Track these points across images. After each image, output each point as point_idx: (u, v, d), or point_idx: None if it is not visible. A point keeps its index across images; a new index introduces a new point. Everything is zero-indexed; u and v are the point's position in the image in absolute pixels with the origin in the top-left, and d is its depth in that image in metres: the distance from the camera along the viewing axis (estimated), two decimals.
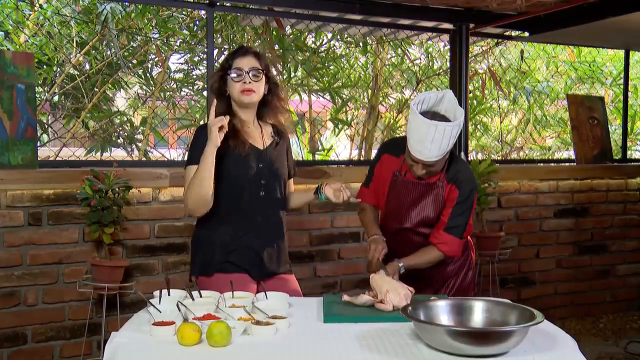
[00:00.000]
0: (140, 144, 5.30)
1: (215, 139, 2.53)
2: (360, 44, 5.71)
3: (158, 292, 2.31)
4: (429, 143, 2.50)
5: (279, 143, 2.85)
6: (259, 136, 2.80)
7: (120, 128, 5.40)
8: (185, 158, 2.77)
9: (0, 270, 3.43)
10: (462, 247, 2.82)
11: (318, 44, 5.76)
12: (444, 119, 2.53)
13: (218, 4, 4.13)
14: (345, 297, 2.47)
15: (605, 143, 5.53)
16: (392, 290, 2.38)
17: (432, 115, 2.53)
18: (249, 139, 2.74)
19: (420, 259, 2.71)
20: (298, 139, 5.90)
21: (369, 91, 6.03)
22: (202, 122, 5.24)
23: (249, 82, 2.70)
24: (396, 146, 2.83)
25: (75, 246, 3.59)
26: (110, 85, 5.27)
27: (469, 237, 2.97)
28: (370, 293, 2.44)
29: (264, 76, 2.74)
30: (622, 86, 6.14)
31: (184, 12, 5.26)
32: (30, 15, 5.00)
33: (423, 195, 2.74)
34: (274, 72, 2.88)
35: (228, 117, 2.57)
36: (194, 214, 2.71)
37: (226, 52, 5.50)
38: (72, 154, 4.53)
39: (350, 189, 2.80)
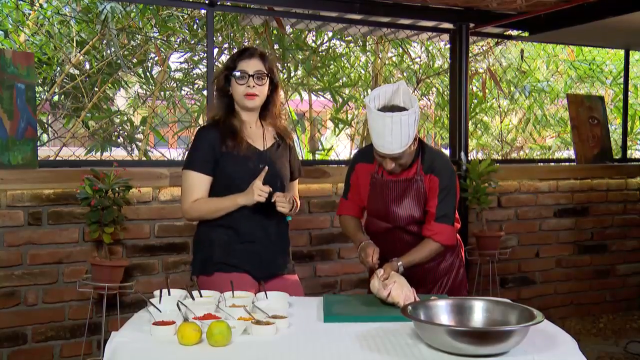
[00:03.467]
0: (140, 144, 5.30)
1: (251, 200, 2.63)
2: (360, 42, 5.71)
3: (158, 291, 2.31)
4: (389, 136, 2.52)
5: (280, 145, 2.85)
6: (261, 137, 2.80)
7: (120, 128, 5.40)
8: (185, 159, 2.78)
9: (0, 270, 3.43)
10: (455, 236, 2.82)
11: (318, 42, 5.75)
12: (403, 110, 2.55)
13: (218, 3, 4.13)
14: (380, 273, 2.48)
15: (605, 143, 5.53)
16: (397, 283, 2.40)
17: (391, 108, 2.56)
18: (248, 139, 2.74)
19: (418, 254, 2.69)
20: (298, 138, 5.90)
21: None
22: (200, 122, 5.26)
23: (253, 86, 2.70)
24: (368, 153, 2.85)
25: (75, 246, 3.59)
26: (110, 85, 5.27)
27: (457, 234, 2.98)
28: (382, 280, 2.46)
29: (267, 79, 2.75)
30: (622, 85, 6.14)
31: (184, 11, 5.26)
32: (30, 14, 5.00)
33: (405, 192, 2.75)
34: (276, 73, 2.87)
35: (270, 189, 2.64)
36: (190, 221, 2.82)
37: (227, 52, 5.49)
38: (72, 154, 4.53)
39: (290, 204, 2.75)
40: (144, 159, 5.09)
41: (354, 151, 6.26)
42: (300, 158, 5.57)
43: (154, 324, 2.06)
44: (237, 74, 2.70)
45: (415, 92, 6.16)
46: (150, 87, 5.44)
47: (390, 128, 2.51)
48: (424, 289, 2.79)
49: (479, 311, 2.13)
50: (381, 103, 2.58)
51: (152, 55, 5.37)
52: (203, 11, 4.81)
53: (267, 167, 2.68)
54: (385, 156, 2.62)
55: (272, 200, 2.67)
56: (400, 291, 2.38)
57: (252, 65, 2.71)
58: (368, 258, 2.63)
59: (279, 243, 2.82)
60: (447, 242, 2.74)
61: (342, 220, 2.98)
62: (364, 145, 6.01)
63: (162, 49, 5.26)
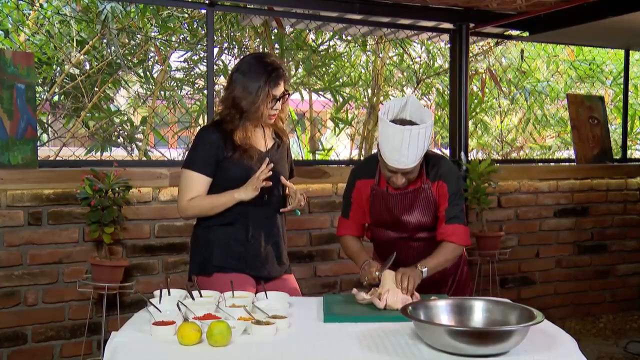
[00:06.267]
0: (140, 144, 5.29)
1: (250, 195, 2.62)
2: (360, 41, 5.71)
3: (158, 291, 2.31)
4: (405, 149, 2.51)
5: (280, 145, 2.85)
6: (262, 137, 2.79)
7: (120, 127, 5.39)
8: (185, 157, 2.77)
9: (0, 270, 3.43)
10: (469, 236, 2.82)
11: (319, 41, 5.75)
12: (411, 124, 2.54)
13: (219, 3, 4.13)
14: (354, 291, 2.50)
15: (605, 143, 5.54)
16: (391, 290, 2.39)
17: (401, 122, 2.54)
18: (251, 142, 2.73)
19: (438, 257, 2.68)
20: (298, 138, 5.90)
21: (370, 90, 6.02)
22: (200, 122, 5.26)
23: (277, 108, 2.71)
24: (366, 168, 2.83)
25: (75, 246, 3.60)
26: (110, 85, 5.26)
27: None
28: (369, 292, 2.46)
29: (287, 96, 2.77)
30: (622, 85, 6.14)
31: (184, 11, 5.25)
32: (30, 14, 4.99)
33: (414, 202, 2.74)
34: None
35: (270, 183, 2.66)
36: (187, 218, 2.84)
37: (227, 51, 5.49)
38: (72, 154, 4.53)
39: (299, 196, 2.75)
40: (144, 159, 5.08)
41: (355, 151, 6.27)
42: (300, 158, 5.61)
43: (154, 324, 2.06)
44: (271, 100, 2.68)
45: (416, 92, 6.16)
46: (151, 86, 5.43)
47: (408, 142, 2.50)
48: (434, 288, 2.79)
49: (479, 311, 2.14)
50: (390, 116, 2.57)
51: (152, 54, 5.36)
52: (203, 11, 4.81)
53: (268, 160, 2.67)
54: (397, 171, 2.60)
55: (286, 192, 2.78)
56: (396, 298, 2.38)
57: (280, 89, 2.70)
58: (372, 275, 2.61)
59: (278, 243, 2.82)
60: (461, 241, 2.74)
61: (342, 241, 2.93)
62: (363, 145, 6.04)
63: (162, 49, 5.25)
